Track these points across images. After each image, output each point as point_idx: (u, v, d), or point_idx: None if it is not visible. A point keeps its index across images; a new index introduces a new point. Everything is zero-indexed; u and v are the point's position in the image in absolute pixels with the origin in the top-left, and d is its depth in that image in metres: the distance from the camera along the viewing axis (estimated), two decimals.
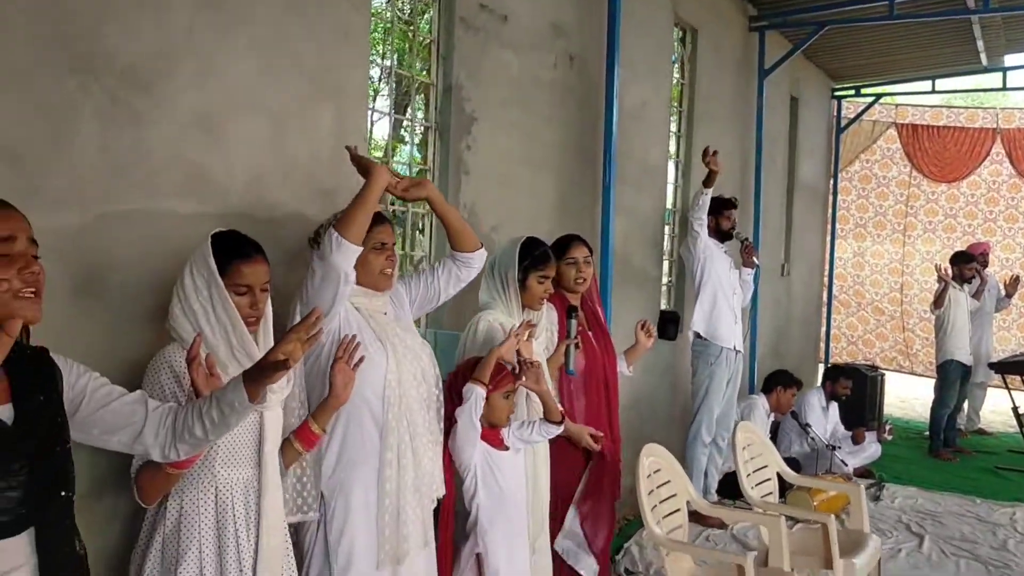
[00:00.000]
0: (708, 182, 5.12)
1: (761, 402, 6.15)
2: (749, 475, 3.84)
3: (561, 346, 3.15)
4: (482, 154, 3.95)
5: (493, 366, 2.67)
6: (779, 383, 6.22)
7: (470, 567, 2.67)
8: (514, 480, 2.78)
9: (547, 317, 3.28)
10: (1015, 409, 7.38)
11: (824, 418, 6.73)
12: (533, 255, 3.06)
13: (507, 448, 2.80)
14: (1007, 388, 7.62)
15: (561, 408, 2.92)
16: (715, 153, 5.09)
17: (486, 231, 3.88)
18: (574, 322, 3.17)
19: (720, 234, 5.44)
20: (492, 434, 2.76)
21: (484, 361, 2.68)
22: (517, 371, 2.75)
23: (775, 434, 6.57)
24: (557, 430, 2.87)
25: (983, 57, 8.87)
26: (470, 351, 2.88)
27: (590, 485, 3.25)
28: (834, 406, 6.84)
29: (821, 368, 10.05)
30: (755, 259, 5.52)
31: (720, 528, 5.21)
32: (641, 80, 5.45)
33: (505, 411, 2.77)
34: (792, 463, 5.98)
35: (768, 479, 4.00)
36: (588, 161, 4.88)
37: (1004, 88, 9.87)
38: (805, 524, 3.96)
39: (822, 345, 10.44)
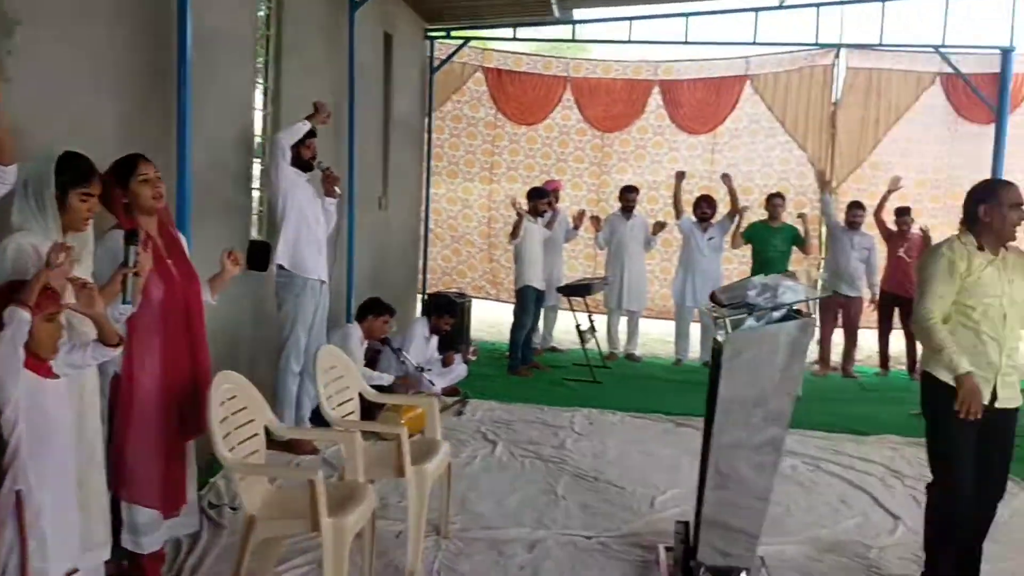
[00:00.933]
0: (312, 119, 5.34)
1: (355, 330, 6.32)
2: (330, 397, 3.93)
3: (117, 275, 2.94)
4: (30, 62, 3.51)
5: (39, 290, 2.43)
6: (371, 311, 6.43)
7: (9, 505, 2.42)
8: (62, 411, 2.58)
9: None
10: (578, 327, 8.38)
11: (426, 347, 7.14)
12: (74, 170, 2.80)
13: (56, 376, 2.58)
14: (571, 309, 8.60)
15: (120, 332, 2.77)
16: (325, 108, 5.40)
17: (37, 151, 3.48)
18: (133, 249, 2.96)
19: (301, 164, 5.42)
20: (37, 362, 2.52)
21: (29, 284, 2.44)
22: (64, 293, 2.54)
23: (375, 360, 6.81)
24: (113, 352, 2.72)
25: (555, 9, 9.74)
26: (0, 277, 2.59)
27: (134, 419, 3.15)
28: (435, 338, 7.26)
29: (419, 297, 10.60)
30: (336, 188, 5.59)
31: (313, 454, 5.30)
32: (220, 2, 5.19)
33: (50, 337, 2.53)
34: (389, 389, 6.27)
35: (351, 399, 4.12)
36: (161, 84, 4.55)
37: (573, 40, 10.98)
38: (388, 440, 4.16)
39: (420, 276, 10.96)
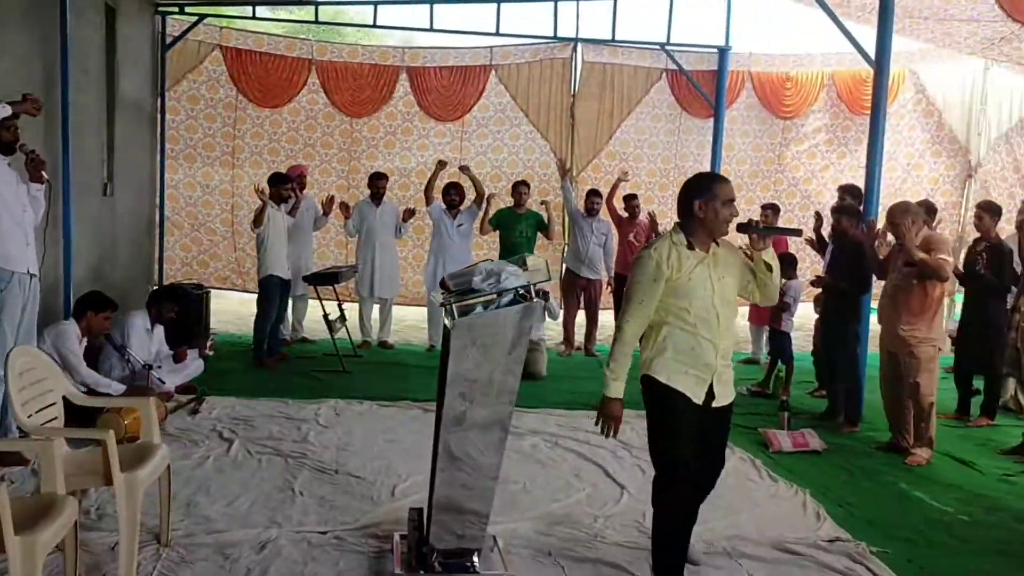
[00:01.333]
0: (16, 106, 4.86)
1: (71, 328, 5.79)
2: (27, 402, 3.55)
3: None
4: None
5: None
6: (90, 307, 5.91)
7: None
8: None
9: None
10: (325, 316, 8.19)
11: (149, 340, 6.63)
12: None
13: None
14: (319, 298, 8.40)
15: None
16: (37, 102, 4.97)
17: None
18: None
19: (1, 147, 4.86)
20: None
21: None
22: None
23: (97, 358, 6.28)
24: None
25: None
26: None
27: None
28: (159, 328, 6.77)
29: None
30: (43, 174, 5.07)
31: (22, 464, 4.79)
32: None
33: None
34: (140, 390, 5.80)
35: (53, 404, 3.74)
36: None
37: (316, 22, 10.69)
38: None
39: (156, 267, 10.26)
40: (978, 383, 7.22)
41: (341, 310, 8.71)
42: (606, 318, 10.27)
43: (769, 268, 3.51)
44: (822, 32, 8.18)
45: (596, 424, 3.55)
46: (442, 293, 3.62)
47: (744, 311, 9.18)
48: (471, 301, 3.52)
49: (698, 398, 3.44)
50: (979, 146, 11.47)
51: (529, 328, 3.55)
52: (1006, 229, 8.38)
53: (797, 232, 4.03)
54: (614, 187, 9.64)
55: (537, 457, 5.58)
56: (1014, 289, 6.72)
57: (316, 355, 8.66)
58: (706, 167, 10.85)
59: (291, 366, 8.21)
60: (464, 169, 9.21)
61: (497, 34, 10.39)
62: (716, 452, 3.67)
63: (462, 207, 9.15)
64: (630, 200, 9.51)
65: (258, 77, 10.48)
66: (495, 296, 3.50)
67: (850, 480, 5.43)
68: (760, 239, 3.48)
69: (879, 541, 4.32)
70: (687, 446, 3.47)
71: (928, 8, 9.13)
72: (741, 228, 3.50)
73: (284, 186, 8.25)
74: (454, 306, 3.45)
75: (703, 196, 3.40)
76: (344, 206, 9.26)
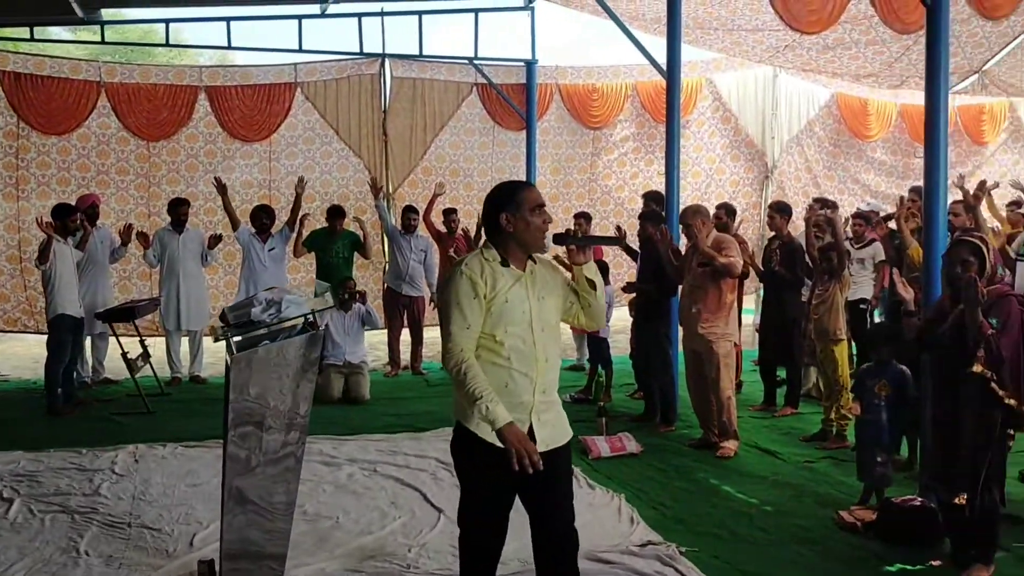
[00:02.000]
0: None
1: None
2: None
3: None
4: None
5: None
6: None
7: None
8: None
9: None
10: (124, 355, 7.63)
11: None
12: None
13: None
14: (115, 335, 7.83)
15: None
16: None
17: None
18: None
19: None
20: None
21: None
22: None
23: None
24: None
25: (77, 9, 8.79)
26: None
27: None
28: None
29: None
30: None
31: None
32: None
33: None
34: None
35: None
36: None
37: (103, 42, 10.03)
38: None
39: None
40: (782, 374, 7.58)
41: (144, 346, 8.16)
42: (432, 335, 10.17)
43: (592, 285, 3.06)
44: (625, 44, 8.41)
45: (515, 466, 2.78)
46: (221, 327, 3.38)
47: None
48: (252, 334, 3.31)
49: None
50: (773, 149, 12.17)
51: (316, 357, 3.37)
52: (800, 226, 8.89)
53: (616, 240, 3.89)
54: (431, 202, 9.55)
55: (353, 488, 5.36)
56: (809, 282, 7.10)
57: (118, 397, 8.06)
58: (522, 178, 10.95)
59: (89, 411, 7.60)
60: (300, 183, 8.86)
61: (300, 50, 10.10)
62: (563, 502, 3.05)
63: (273, 230, 8.79)
64: (449, 215, 9.45)
65: (40, 103, 9.70)
66: (277, 326, 3.31)
67: (664, 480, 5.53)
68: (580, 251, 3.03)
69: (689, 540, 4.40)
70: (490, 517, 3.01)
71: (716, 19, 9.59)
72: (558, 239, 3.09)
73: (70, 218, 7.63)
74: (232, 340, 3.22)
75: (508, 207, 2.96)
76: (143, 235, 8.70)
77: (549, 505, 3.02)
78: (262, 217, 8.77)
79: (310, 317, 3.33)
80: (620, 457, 6.01)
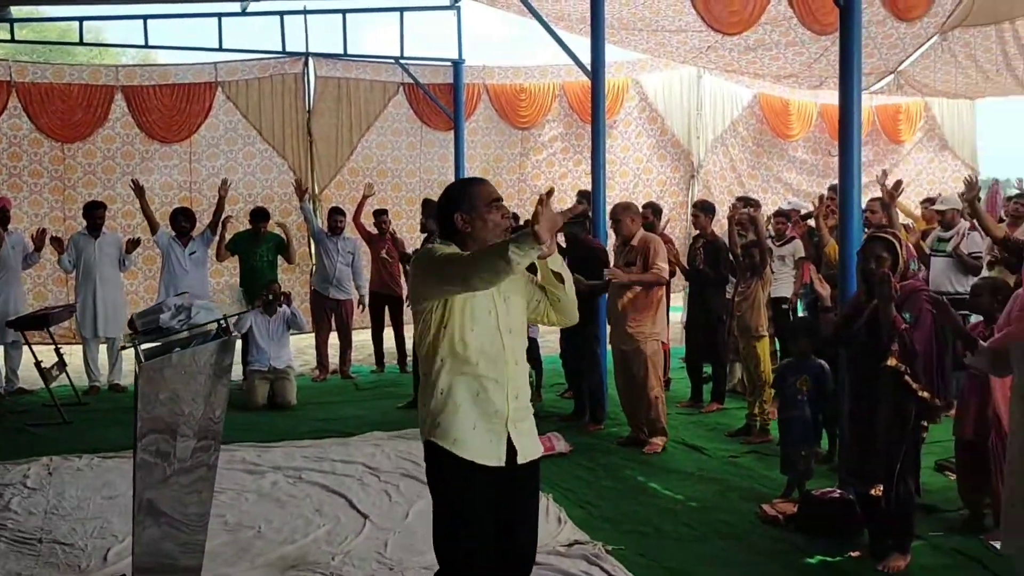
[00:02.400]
0: None
1: None
2: None
3: None
4: None
5: None
6: None
7: None
8: None
9: None
10: (37, 364, 7.36)
11: None
12: None
13: None
14: (28, 344, 7.54)
15: None
16: None
17: None
18: None
19: None
20: None
21: None
22: None
23: None
24: None
25: None
26: None
27: None
28: None
29: None
30: None
31: None
32: None
33: None
34: None
35: None
36: None
37: (13, 40, 9.67)
38: None
39: None
40: (709, 370, 7.67)
41: (59, 354, 7.86)
42: (362, 338, 10.06)
43: (560, 279, 2.83)
44: (552, 44, 8.43)
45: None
46: (129, 333, 3.26)
47: None
48: (165, 340, 3.20)
49: (496, 459, 2.72)
50: (699, 149, 12.35)
51: (229, 364, 3.28)
52: (725, 224, 9.03)
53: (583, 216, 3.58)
54: (360, 204, 9.42)
55: (276, 496, 5.23)
56: (733, 280, 7.20)
57: (33, 408, 7.75)
58: (451, 179, 10.90)
59: (3, 422, 7.29)
60: (223, 185, 8.63)
61: (221, 49, 9.87)
62: (524, 533, 2.85)
63: (193, 233, 8.56)
64: (380, 216, 9.32)
65: None
66: (190, 332, 3.20)
67: (592, 479, 5.54)
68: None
69: (615, 538, 4.41)
70: (479, 536, 2.74)
71: (640, 20, 9.67)
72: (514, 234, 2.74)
73: None
74: (139, 347, 3.11)
75: (461, 207, 2.77)
76: (56, 240, 8.40)
77: (519, 521, 2.82)
78: (181, 220, 8.53)
79: (223, 323, 3.22)
80: (549, 457, 5.98)
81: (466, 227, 2.77)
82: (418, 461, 5.78)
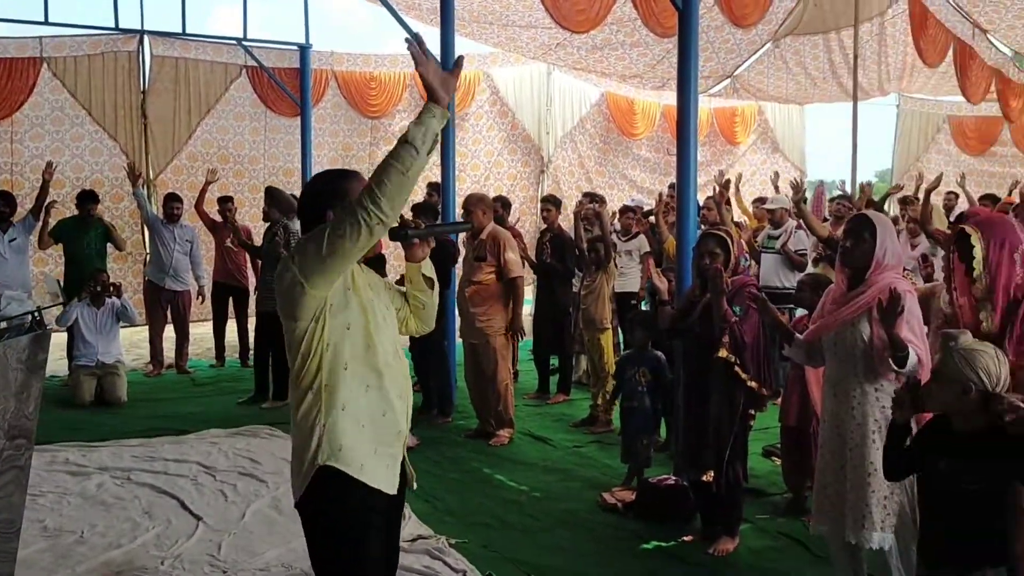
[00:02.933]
0: None
1: None
2: None
3: None
4: None
5: None
6: None
7: None
8: None
9: None
10: None
11: None
12: None
13: None
14: None
15: None
16: None
17: None
18: None
19: None
20: None
21: None
22: None
23: None
24: None
25: None
26: None
27: None
28: None
29: None
30: None
31: None
32: None
33: None
34: None
35: None
36: None
37: None
38: None
39: None
40: (556, 362, 7.80)
41: None
42: (200, 331, 9.63)
43: (431, 284, 2.64)
44: (403, 33, 8.30)
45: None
46: None
47: None
48: None
49: (393, 486, 2.44)
50: (549, 144, 12.55)
51: (44, 359, 3.04)
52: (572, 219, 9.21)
53: (466, 226, 3.22)
54: (203, 190, 9.01)
55: (102, 498, 4.93)
56: (579, 273, 7.34)
57: None
58: (297, 167, 10.61)
59: None
60: (47, 167, 8.01)
61: (47, 23, 9.19)
62: (397, 551, 2.64)
63: (14, 219, 7.94)
64: (224, 203, 8.92)
65: None
66: None
67: (439, 472, 5.51)
68: (423, 244, 2.53)
69: (460, 531, 4.41)
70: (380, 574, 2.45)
71: (491, 13, 9.71)
72: (395, 234, 2.43)
73: None
74: None
75: (333, 203, 2.37)
76: None
77: (394, 550, 2.59)
78: (0, 204, 7.90)
79: (36, 315, 2.99)
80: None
81: None
82: (257, 459, 5.66)
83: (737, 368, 4.00)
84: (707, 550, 4.18)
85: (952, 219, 8.11)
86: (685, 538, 4.35)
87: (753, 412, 4.21)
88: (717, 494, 4.15)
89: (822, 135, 54.50)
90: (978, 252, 2.85)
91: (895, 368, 3.15)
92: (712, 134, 14.56)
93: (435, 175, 10.85)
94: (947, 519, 2.54)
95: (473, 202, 6.18)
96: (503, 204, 8.22)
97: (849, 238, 3.34)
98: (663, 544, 4.32)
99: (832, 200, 8.27)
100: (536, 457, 5.86)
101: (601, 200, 8.12)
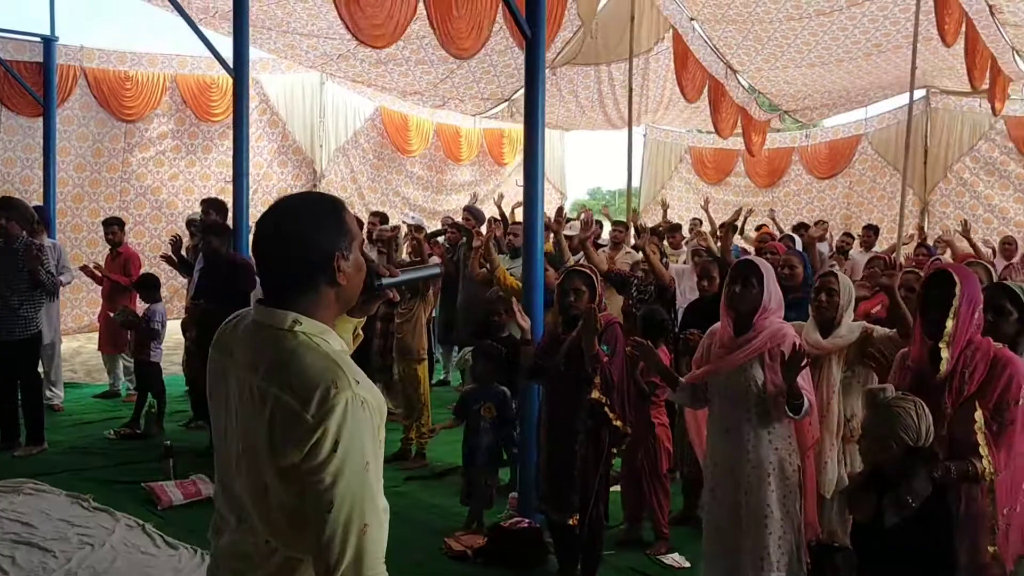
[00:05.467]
0: None
1: None
2: None
3: None
4: None
5: None
6: None
7: None
8: None
9: None
10: None
11: None
12: None
13: None
14: None
15: None
16: None
17: None
18: None
19: None
20: None
21: None
22: None
23: None
24: None
25: None
26: None
27: None
28: None
29: None
30: None
31: None
32: None
33: None
34: None
35: None
36: None
37: None
38: None
39: None
40: None
41: None
42: None
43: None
44: (163, 31, 7.53)
45: None
46: None
47: (94, 336, 8.16)
48: None
49: None
50: (321, 157, 12.01)
51: None
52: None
53: (436, 271, 2.44)
54: None
55: None
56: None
57: None
58: (38, 173, 9.31)
59: None
60: None
61: None
62: None
63: None
64: None
65: None
66: None
67: None
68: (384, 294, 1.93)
69: None
70: None
71: (271, 19, 9.12)
72: (367, 286, 1.84)
73: None
74: None
75: (342, 243, 1.72)
76: None
77: None
78: None
79: None
80: (197, 503, 5.28)
81: (343, 279, 1.72)
82: (31, 521, 4.79)
83: (607, 409, 3.93)
84: None
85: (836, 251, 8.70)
86: None
87: (615, 451, 4.16)
88: (580, 534, 4.04)
89: (578, 159, 58.77)
90: (956, 301, 2.89)
91: (789, 414, 3.21)
92: (481, 154, 14.70)
93: (199, 186, 10.06)
94: (889, 562, 2.59)
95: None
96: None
97: (737, 283, 3.37)
98: None
99: (614, 226, 8.51)
100: None
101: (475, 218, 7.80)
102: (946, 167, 13.91)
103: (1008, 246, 9.26)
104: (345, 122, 12.22)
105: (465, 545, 4.57)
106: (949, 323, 2.82)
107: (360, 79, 10.80)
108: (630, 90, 9.88)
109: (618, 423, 3.99)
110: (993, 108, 11.51)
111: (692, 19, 11.11)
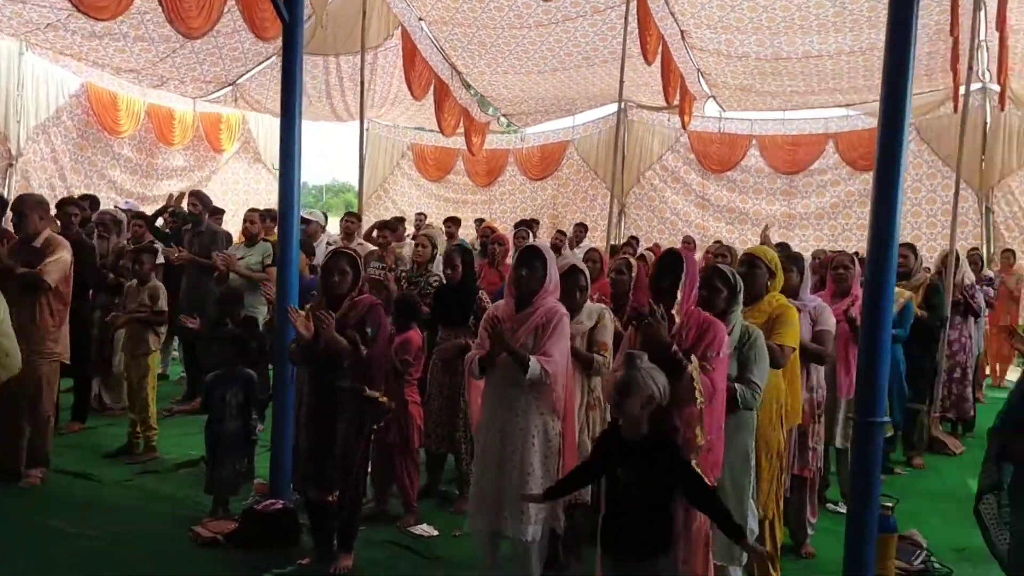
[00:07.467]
0: None
1: None
2: None
3: None
4: None
5: None
6: None
7: None
8: None
9: None
10: None
11: None
12: None
13: None
14: None
15: None
16: None
17: None
18: None
19: None
20: None
21: None
22: None
23: None
24: None
25: None
26: None
27: None
28: None
29: None
30: None
31: None
32: None
33: None
34: None
35: None
36: None
37: None
38: None
39: None
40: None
41: None
42: None
43: None
44: None
45: None
46: None
47: None
48: None
49: None
50: (19, 134, 10.87)
51: None
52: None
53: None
54: None
55: None
56: None
57: None
58: None
59: None
60: None
61: None
62: None
63: None
64: None
65: None
66: None
67: None
68: None
69: None
70: None
71: None
72: None
73: None
74: None
75: None
76: None
77: None
78: None
79: None
80: None
81: None
82: None
83: (366, 390, 4.07)
84: (328, 570, 4.16)
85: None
86: (302, 561, 4.27)
87: (375, 427, 4.31)
88: (338, 511, 4.15)
89: (314, 149, 56.58)
90: (683, 276, 3.38)
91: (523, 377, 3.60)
92: (197, 139, 14.03)
93: None
94: (625, 515, 3.00)
95: (31, 205, 5.21)
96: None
97: (523, 267, 3.73)
98: (282, 572, 4.18)
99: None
100: (87, 496, 5.14)
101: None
102: (639, 174, 15.42)
103: (687, 244, 10.74)
104: (47, 96, 11.10)
105: (214, 531, 4.50)
106: (679, 293, 3.34)
107: (69, 52, 9.93)
108: (362, 84, 10.00)
109: (383, 399, 4.16)
110: (683, 122, 13.02)
111: (420, 19, 11.44)
